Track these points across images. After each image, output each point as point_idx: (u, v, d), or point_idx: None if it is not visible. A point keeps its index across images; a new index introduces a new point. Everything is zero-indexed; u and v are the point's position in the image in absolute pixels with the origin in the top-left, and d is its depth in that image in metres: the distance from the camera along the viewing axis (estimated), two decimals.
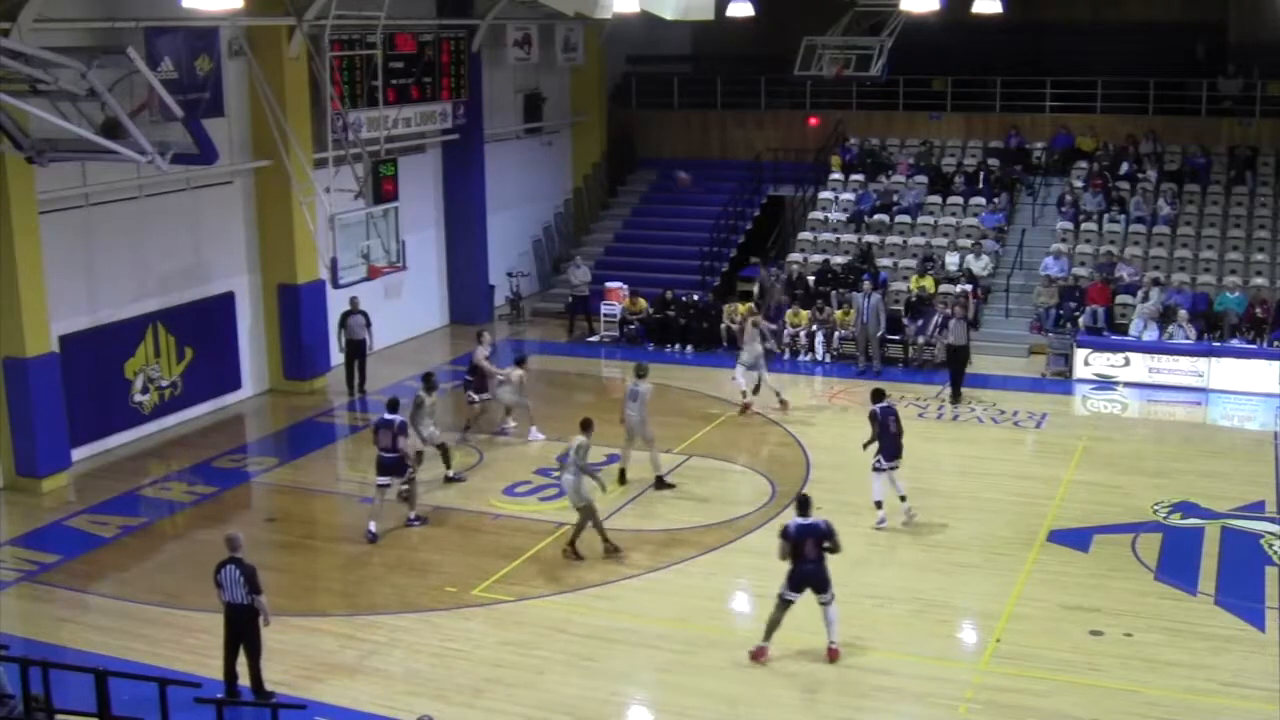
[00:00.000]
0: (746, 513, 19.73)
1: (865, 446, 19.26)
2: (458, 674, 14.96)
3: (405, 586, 17.35)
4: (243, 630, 14.21)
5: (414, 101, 28.35)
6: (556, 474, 19.32)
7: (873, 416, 19.10)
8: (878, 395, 19.45)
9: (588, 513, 18.08)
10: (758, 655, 15.13)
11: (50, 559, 18.36)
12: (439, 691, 14.52)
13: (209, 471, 21.96)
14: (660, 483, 20.74)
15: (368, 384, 26.04)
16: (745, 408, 24.59)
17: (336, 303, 25.79)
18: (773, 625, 15.10)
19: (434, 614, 16.48)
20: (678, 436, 23.05)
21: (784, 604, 15.07)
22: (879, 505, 19.03)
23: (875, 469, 19.07)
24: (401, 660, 15.31)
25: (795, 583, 15.04)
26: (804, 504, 15.24)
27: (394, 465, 18.95)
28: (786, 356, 28.53)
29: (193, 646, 15.51)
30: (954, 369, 25.49)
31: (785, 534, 15.03)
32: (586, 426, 18.59)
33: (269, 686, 14.27)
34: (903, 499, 19.04)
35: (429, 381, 20.92)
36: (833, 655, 15.14)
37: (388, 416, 18.96)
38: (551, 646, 15.57)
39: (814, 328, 28.45)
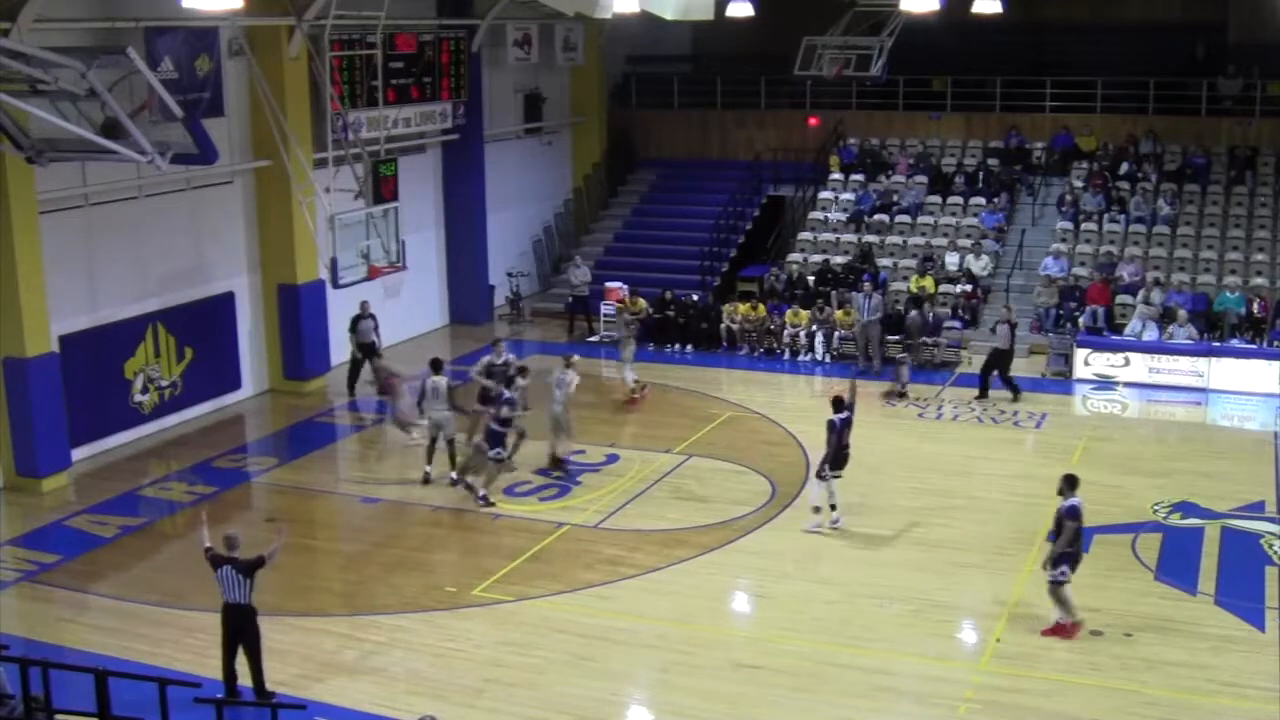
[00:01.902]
0: (746, 513, 19.72)
1: (823, 464, 19.01)
2: (458, 674, 14.96)
3: (405, 586, 17.34)
4: (241, 630, 14.21)
5: (414, 101, 28.34)
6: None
7: (831, 426, 18.83)
8: (838, 404, 19.06)
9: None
10: (1071, 631, 15.48)
11: (50, 559, 18.37)
12: (439, 691, 14.52)
13: (209, 471, 21.96)
14: (556, 463, 21.69)
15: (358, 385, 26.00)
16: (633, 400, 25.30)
17: (336, 303, 25.81)
18: (1069, 603, 15.50)
19: (434, 614, 16.47)
20: (678, 437, 23.07)
21: (1065, 584, 15.49)
22: (817, 510, 18.96)
23: (820, 477, 18.92)
24: (401, 660, 15.31)
25: (1075, 565, 15.56)
26: (1074, 482, 15.73)
27: (497, 439, 19.89)
28: (787, 356, 28.58)
29: (193, 646, 15.51)
30: (1003, 371, 25.33)
31: (1077, 515, 15.43)
32: (437, 365, 20.86)
33: (269, 686, 14.26)
34: (833, 507, 18.99)
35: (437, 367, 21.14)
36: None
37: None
38: (551, 646, 15.57)
39: (814, 328, 28.46)
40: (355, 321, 25.84)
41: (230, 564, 14.07)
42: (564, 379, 21.67)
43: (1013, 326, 25.44)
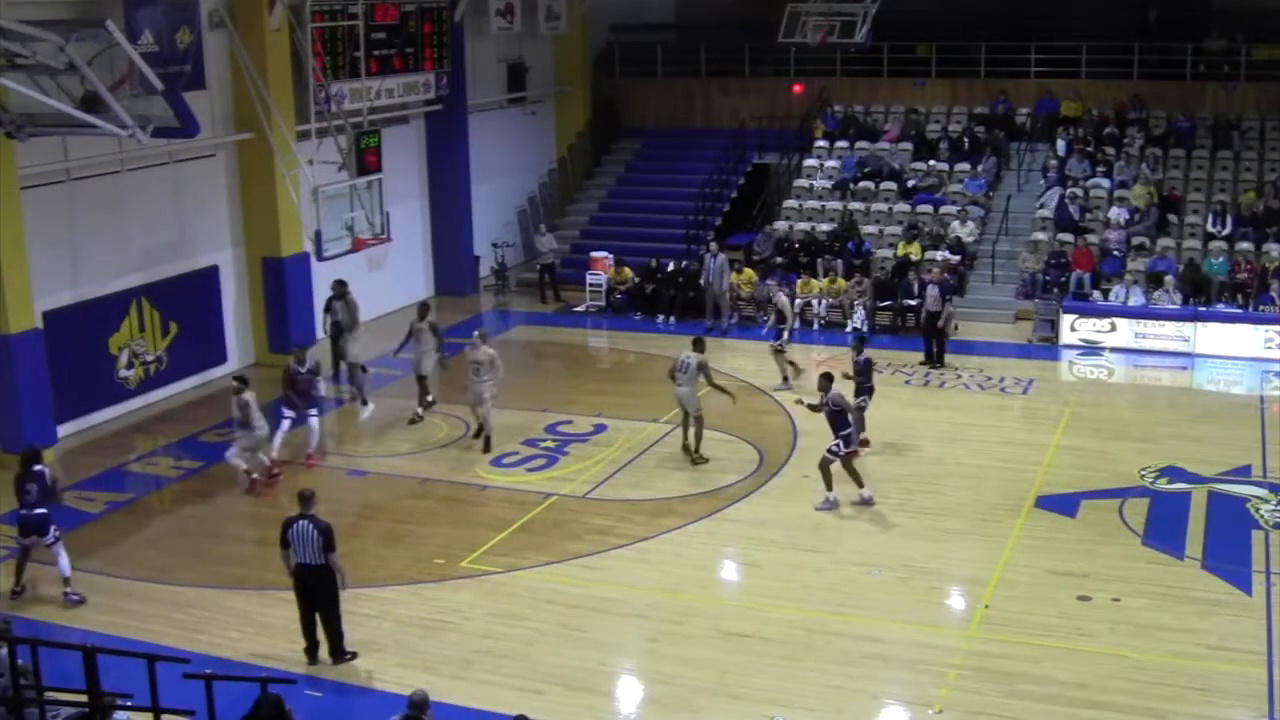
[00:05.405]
0: (734, 481, 19.73)
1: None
2: (447, 646, 14.97)
3: (393, 559, 17.32)
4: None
5: (396, 72, 28.22)
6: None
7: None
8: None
9: (700, 421, 20.37)
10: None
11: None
12: (428, 663, 14.53)
13: (195, 446, 21.89)
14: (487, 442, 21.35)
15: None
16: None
17: (321, 276, 25.70)
18: None
19: (423, 586, 16.47)
20: (665, 406, 23.01)
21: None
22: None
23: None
24: (390, 632, 15.30)
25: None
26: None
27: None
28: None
29: (181, 621, 15.51)
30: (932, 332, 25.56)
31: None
32: (699, 344, 20.83)
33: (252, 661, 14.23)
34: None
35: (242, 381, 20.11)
36: None
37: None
38: (541, 617, 15.58)
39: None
40: (329, 302, 25.11)
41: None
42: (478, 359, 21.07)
43: (940, 287, 25.46)
